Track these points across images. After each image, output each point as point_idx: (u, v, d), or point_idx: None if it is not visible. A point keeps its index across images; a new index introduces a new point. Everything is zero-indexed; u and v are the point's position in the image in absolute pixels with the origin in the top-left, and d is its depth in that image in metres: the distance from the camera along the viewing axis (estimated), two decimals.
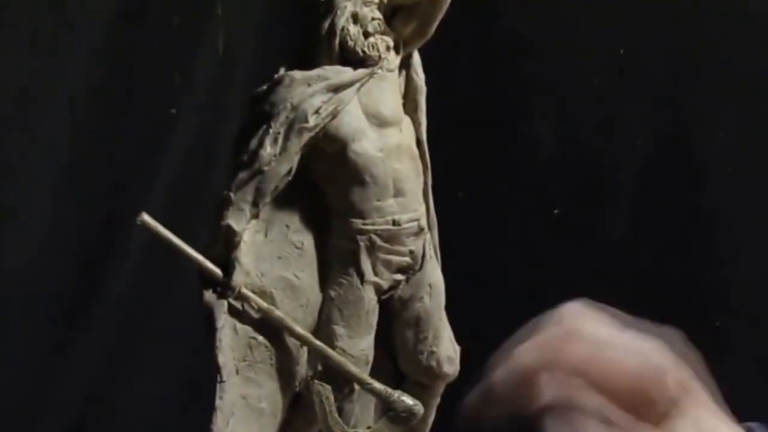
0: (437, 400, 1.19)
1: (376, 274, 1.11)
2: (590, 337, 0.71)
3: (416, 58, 1.14)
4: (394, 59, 1.11)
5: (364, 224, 1.10)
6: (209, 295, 1.08)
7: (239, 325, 1.09)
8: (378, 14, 1.10)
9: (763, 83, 1.84)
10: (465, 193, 1.86)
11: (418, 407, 1.13)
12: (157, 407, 1.89)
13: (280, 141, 1.06)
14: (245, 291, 1.08)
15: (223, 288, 1.08)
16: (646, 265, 1.88)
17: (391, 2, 1.11)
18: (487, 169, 1.89)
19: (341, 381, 1.12)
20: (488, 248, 1.87)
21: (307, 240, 1.11)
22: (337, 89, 1.07)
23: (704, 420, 0.74)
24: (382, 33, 1.10)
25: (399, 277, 1.14)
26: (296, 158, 1.08)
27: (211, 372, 1.07)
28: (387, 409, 1.14)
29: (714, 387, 0.76)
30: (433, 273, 1.16)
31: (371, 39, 1.09)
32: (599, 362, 0.71)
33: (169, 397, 1.88)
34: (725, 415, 0.76)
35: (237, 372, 1.09)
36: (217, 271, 1.08)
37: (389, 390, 1.13)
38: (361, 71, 1.09)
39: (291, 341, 1.11)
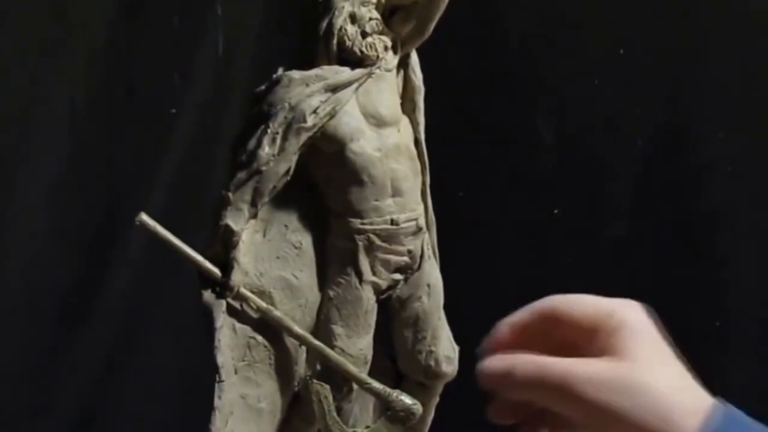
0: (436, 400, 1.19)
1: (374, 273, 1.12)
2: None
3: (414, 57, 1.15)
4: (392, 59, 1.11)
5: (363, 224, 1.10)
6: (208, 295, 1.08)
7: (238, 325, 1.09)
8: (376, 14, 1.10)
9: (763, 83, 1.84)
10: (465, 193, 1.86)
11: (417, 407, 1.14)
12: (157, 407, 1.89)
13: (278, 141, 1.07)
14: (244, 291, 1.08)
15: (222, 288, 1.08)
16: (646, 265, 1.88)
17: (389, 2, 1.11)
18: (487, 169, 1.89)
19: (340, 380, 1.12)
20: (488, 248, 1.87)
21: (306, 240, 1.11)
22: (335, 89, 1.07)
23: (650, 353, 0.82)
24: (380, 33, 1.10)
25: (397, 276, 1.14)
26: (294, 158, 1.08)
27: (210, 372, 1.07)
28: (386, 408, 1.14)
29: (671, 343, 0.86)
30: (432, 272, 1.16)
31: (369, 39, 1.09)
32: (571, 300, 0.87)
33: (169, 397, 1.88)
34: (675, 359, 0.84)
35: (236, 372, 1.09)
36: (216, 270, 1.08)
37: (388, 389, 1.13)
38: (359, 71, 1.09)
39: (290, 341, 1.11)
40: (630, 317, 0.85)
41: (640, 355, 0.82)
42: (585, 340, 0.84)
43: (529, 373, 0.82)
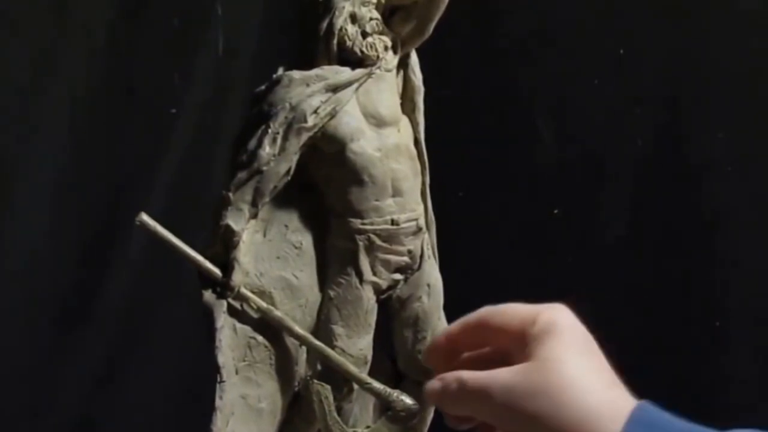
0: None
1: (374, 273, 1.12)
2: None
3: (414, 58, 1.15)
4: (392, 59, 1.11)
5: (363, 224, 1.10)
6: (209, 295, 1.08)
7: (239, 325, 1.09)
8: (376, 14, 1.10)
9: (763, 83, 1.84)
10: (465, 193, 1.86)
11: (417, 407, 1.14)
12: (157, 407, 1.89)
13: (278, 141, 1.06)
14: (244, 291, 1.08)
15: (223, 288, 1.08)
16: (646, 265, 1.88)
17: (389, 2, 1.11)
18: (487, 169, 1.89)
19: (340, 380, 1.12)
20: (487, 248, 1.87)
21: (306, 240, 1.11)
22: (335, 89, 1.07)
23: (562, 356, 0.82)
24: (380, 33, 1.10)
25: (398, 276, 1.14)
26: (295, 158, 1.08)
27: (211, 372, 1.07)
28: (386, 408, 1.14)
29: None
30: (432, 272, 1.16)
31: (369, 39, 1.09)
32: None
33: (169, 397, 1.88)
34: (598, 362, 0.84)
35: (236, 372, 1.09)
36: (216, 271, 1.08)
37: (388, 389, 1.13)
38: (359, 71, 1.09)
39: (290, 341, 1.11)
40: (554, 321, 0.85)
41: (557, 359, 0.82)
42: (516, 347, 0.85)
43: (454, 390, 0.85)
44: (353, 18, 1.08)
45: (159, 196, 1.85)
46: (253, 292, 1.08)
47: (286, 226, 1.10)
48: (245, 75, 1.84)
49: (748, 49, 1.84)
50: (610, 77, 1.87)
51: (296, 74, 1.07)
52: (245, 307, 1.09)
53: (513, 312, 0.88)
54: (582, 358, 0.82)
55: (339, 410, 1.12)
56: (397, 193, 1.11)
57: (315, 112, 1.06)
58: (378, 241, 1.10)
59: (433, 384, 0.88)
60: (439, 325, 1.16)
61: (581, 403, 0.79)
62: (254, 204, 1.07)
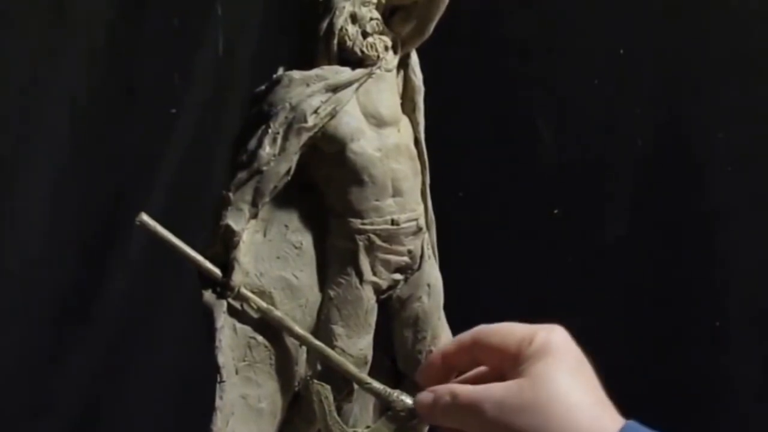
0: None
1: (374, 273, 1.11)
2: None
3: (414, 57, 1.15)
4: (392, 59, 1.11)
5: (363, 224, 1.10)
6: (209, 295, 1.08)
7: (239, 325, 1.09)
8: (376, 14, 1.10)
9: (763, 83, 1.84)
10: (465, 193, 1.86)
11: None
12: (157, 407, 1.89)
13: (279, 141, 1.06)
14: (244, 291, 1.08)
15: (223, 288, 1.08)
16: (646, 265, 1.88)
17: (389, 2, 1.11)
18: (487, 169, 1.89)
19: (340, 381, 1.12)
20: (488, 248, 1.87)
21: (306, 240, 1.11)
22: (335, 89, 1.07)
23: (554, 374, 0.83)
24: (381, 33, 1.10)
25: (398, 276, 1.14)
26: (295, 158, 1.08)
27: (211, 372, 1.07)
28: (386, 408, 1.14)
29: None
30: (432, 272, 1.16)
31: (369, 39, 1.09)
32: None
33: (169, 397, 1.88)
34: (589, 382, 0.85)
35: (236, 372, 1.09)
36: (216, 271, 1.08)
37: (388, 389, 1.13)
38: (359, 71, 1.09)
39: (290, 341, 1.11)
40: (549, 341, 0.86)
41: (547, 377, 0.83)
42: (511, 366, 0.86)
43: (446, 403, 0.87)
44: (353, 18, 1.08)
45: (159, 196, 1.85)
46: (253, 292, 1.08)
47: (286, 226, 1.10)
48: (245, 75, 1.84)
49: (748, 49, 1.84)
50: (610, 77, 1.87)
51: (296, 74, 1.07)
52: (245, 307, 1.09)
53: (509, 332, 0.88)
54: (572, 376, 0.83)
55: (339, 410, 1.12)
56: (397, 193, 1.11)
57: (315, 112, 1.06)
58: (378, 241, 1.10)
59: (425, 396, 0.89)
60: (439, 325, 1.16)
61: (569, 419, 0.80)
62: (254, 204, 1.07)
